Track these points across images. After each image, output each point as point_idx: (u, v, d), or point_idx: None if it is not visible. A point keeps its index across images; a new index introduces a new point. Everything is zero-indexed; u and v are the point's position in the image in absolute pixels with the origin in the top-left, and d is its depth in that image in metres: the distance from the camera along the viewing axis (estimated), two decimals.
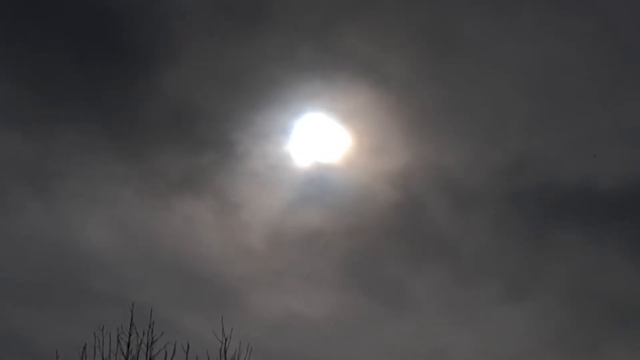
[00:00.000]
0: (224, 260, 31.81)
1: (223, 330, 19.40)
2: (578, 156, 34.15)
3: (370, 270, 32.26)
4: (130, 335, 19.26)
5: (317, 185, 33.20)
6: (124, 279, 30.50)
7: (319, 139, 33.00)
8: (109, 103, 33.49)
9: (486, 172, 34.05)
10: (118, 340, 19.17)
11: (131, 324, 19.37)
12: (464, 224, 33.99)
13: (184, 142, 33.55)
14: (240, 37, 33.79)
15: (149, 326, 19.38)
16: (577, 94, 33.64)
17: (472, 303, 32.40)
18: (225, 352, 19.31)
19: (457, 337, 30.90)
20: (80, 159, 32.89)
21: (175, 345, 19.19)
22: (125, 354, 19.19)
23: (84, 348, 19.06)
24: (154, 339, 19.29)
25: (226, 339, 19.35)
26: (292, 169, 33.27)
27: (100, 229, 32.29)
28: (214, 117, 33.67)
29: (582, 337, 31.04)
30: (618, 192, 33.48)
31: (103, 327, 19.15)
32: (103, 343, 19.09)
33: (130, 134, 33.50)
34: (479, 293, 32.53)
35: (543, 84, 33.75)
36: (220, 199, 33.07)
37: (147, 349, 19.25)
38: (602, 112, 33.93)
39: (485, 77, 33.73)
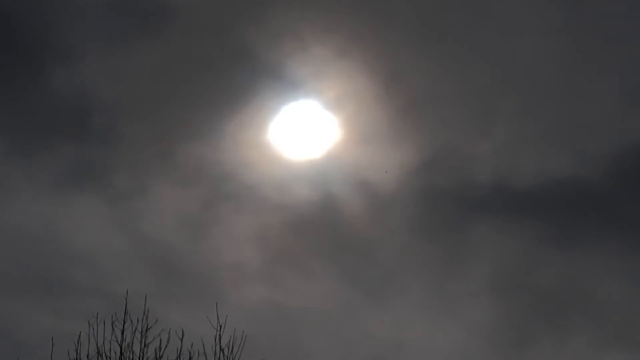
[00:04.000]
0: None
1: (218, 317, 19.41)
2: (494, 154, 35.05)
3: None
4: (124, 323, 19.16)
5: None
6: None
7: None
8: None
9: (400, 170, 34.51)
10: (112, 328, 19.05)
11: (125, 312, 19.29)
12: (383, 224, 34.44)
13: (76, 137, 33.43)
14: (139, 36, 33.85)
15: (144, 313, 19.33)
16: (518, 91, 34.73)
17: (392, 304, 32.89)
18: (220, 339, 19.35)
19: (395, 333, 31.44)
20: None
21: (169, 332, 19.19)
22: (119, 341, 19.08)
23: (79, 336, 18.88)
24: (149, 327, 19.25)
25: (220, 326, 19.41)
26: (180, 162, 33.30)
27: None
28: (106, 112, 33.66)
29: (511, 333, 32.01)
30: (533, 190, 34.56)
31: (97, 314, 19.05)
32: (97, 331, 18.96)
33: (20, 129, 33.23)
34: (402, 294, 33.06)
35: (497, 79, 34.71)
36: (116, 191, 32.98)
37: (142, 337, 19.19)
38: (524, 111, 35.06)
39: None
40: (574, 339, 31.53)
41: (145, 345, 19.11)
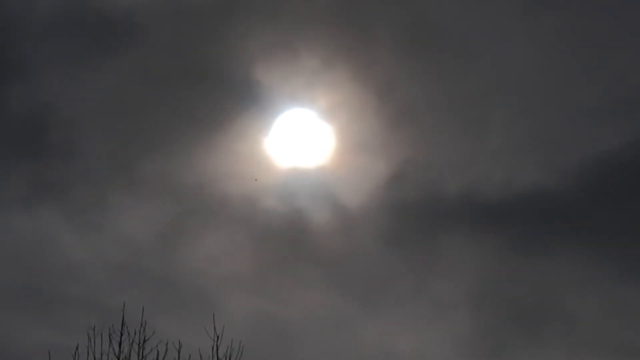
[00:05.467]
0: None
1: (215, 328, 19.43)
2: (459, 167, 35.35)
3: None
4: (122, 335, 19.08)
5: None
6: None
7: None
8: None
9: (371, 183, 34.60)
10: (110, 340, 18.96)
11: (122, 323, 19.20)
12: (350, 240, 34.49)
13: (32, 153, 33.32)
14: (99, 54, 33.85)
15: (141, 325, 19.26)
16: (492, 105, 35.19)
17: (376, 314, 32.98)
18: (217, 350, 19.34)
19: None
20: None
21: (167, 344, 19.13)
22: (117, 353, 18.98)
23: (77, 349, 18.77)
24: (146, 338, 19.18)
25: (218, 337, 19.40)
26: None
27: None
28: (65, 128, 33.58)
29: (487, 342, 32.25)
30: (498, 201, 34.92)
31: (94, 327, 18.95)
32: (95, 343, 18.87)
33: None
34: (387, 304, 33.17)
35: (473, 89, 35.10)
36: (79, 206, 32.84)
37: (139, 349, 19.11)
38: (498, 123, 35.48)
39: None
40: (547, 346, 31.93)
41: (142, 357, 19.08)
